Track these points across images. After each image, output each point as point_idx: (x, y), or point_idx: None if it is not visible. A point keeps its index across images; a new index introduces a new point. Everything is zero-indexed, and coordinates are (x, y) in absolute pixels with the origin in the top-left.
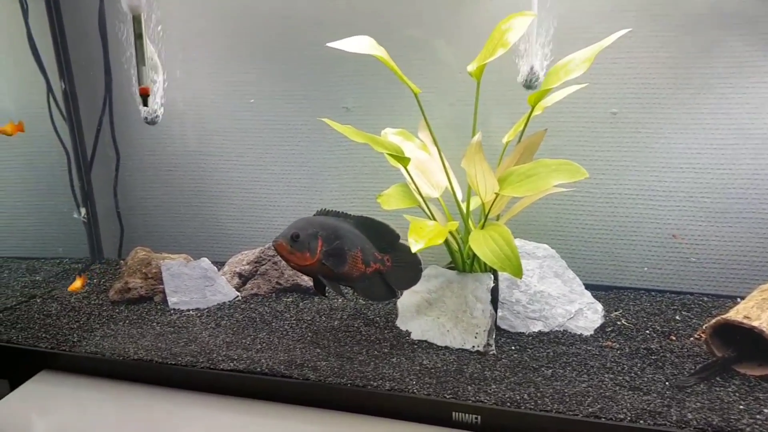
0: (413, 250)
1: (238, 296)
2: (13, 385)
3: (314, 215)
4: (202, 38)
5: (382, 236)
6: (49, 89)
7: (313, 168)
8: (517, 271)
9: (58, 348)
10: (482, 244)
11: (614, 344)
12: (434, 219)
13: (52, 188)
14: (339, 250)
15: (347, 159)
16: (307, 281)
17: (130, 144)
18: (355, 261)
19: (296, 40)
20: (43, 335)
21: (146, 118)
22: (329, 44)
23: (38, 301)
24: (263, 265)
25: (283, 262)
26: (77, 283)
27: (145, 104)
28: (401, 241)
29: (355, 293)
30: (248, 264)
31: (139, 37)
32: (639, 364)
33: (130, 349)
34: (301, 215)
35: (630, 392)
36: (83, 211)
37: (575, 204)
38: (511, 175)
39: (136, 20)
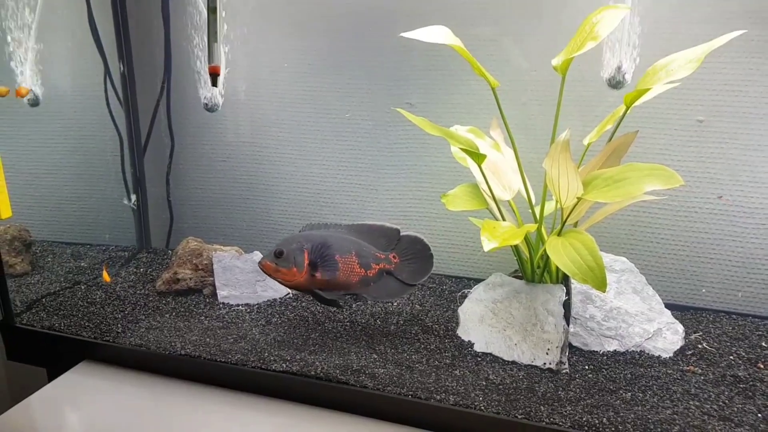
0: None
1: (289, 293)
2: (51, 375)
3: (300, 231)
4: (264, 29)
5: (382, 235)
6: (107, 72)
7: (370, 165)
8: (601, 284)
9: (101, 338)
10: (561, 253)
11: (696, 369)
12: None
13: (103, 173)
14: (327, 258)
15: (407, 157)
16: None
17: (186, 131)
18: (351, 266)
19: (361, 34)
20: (86, 324)
21: (206, 104)
22: (404, 34)
23: (82, 288)
24: None
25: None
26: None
27: (214, 84)
28: (404, 233)
29: (368, 300)
30: None
31: (213, 11)
32: (726, 393)
33: (177, 343)
34: (355, 212)
35: (720, 423)
36: (134, 197)
37: (651, 216)
38: (597, 179)
39: None
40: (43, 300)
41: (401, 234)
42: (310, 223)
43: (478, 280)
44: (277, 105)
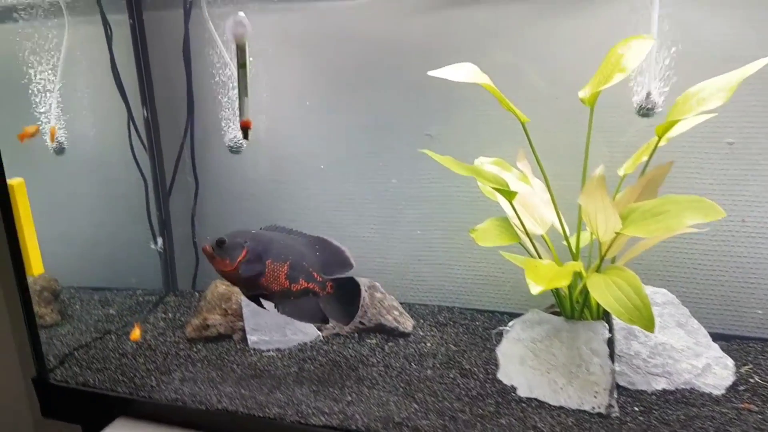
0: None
1: (319, 336)
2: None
3: (261, 228)
4: (284, 67)
5: (335, 260)
6: (130, 117)
7: (391, 197)
8: (649, 324)
9: (136, 393)
10: (605, 291)
11: (752, 407)
12: (541, 258)
13: (128, 217)
14: (258, 260)
15: (429, 188)
16: (391, 321)
17: (209, 171)
18: (276, 274)
19: (376, 67)
20: (120, 377)
21: (231, 146)
22: (431, 73)
23: (113, 337)
24: None
25: (366, 299)
26: (137, 332)
27: (246, 137)
28: (353, 274)
29: (279, 311)
30: None
31: (242, 66)
32: None
33: (212, 395)
34: (379, 246)
35: None
36: (160, 240)
37: (686, 242)
38: (635, 212)
39: (240, 49)
40: (75, 353)
41: (351, 271)
42: (273, 225)
43: (510, 314)
44: (298, 142)
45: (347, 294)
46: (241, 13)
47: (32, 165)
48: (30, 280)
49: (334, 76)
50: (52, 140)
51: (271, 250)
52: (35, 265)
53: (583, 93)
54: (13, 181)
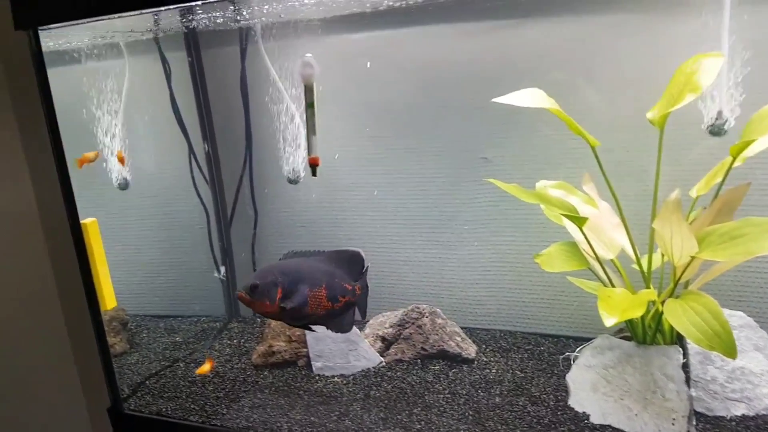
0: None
1: (381, 362)
2: None
3: (281, 259)
4: (337, 92)
5: (354, 265)
6: (191, 151)
7: (447, 221)
8: (731, 351)
9: (208, 422)
10: (683, 318)
11: None
12: (612, 284)
13: (190, 246)
14: (298, 292)
15: (486, 211)
16: (453, 347)
17: (267, 201)
18: (319, 300)
19: (430, 92)
20: (192, 406)
21: (289, 178)
22: (496, 100)
23: (181, 365)
24: (407, 328)
25: (428, 326)
26: (206, 366)
27: (314, 174)
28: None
29: (330, 330)
30: (391, 327)
31: (310, 106)
32: None
33: (283, 423)
34: (436, 272)
35: None
36: (222, 269)
37: (760, 262)
38: (711, 235)
39: (309, 89)
40: (147, 382)
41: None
42: (291, 251)
43: (576, 339)
44: (353, 168)
45: (366, 285)
46: (309, 54)
47: (100, 200)
48: None
49: (389, 102)
50: (122, 163)
51: (304, 279)
52: (108, 300)
53: (652, 114)
54: (87, 221)
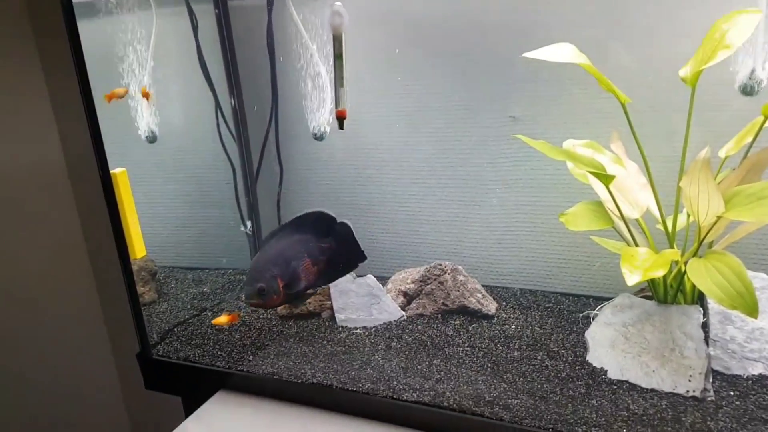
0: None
1: (403, 316)
2: (186, 402)
3: (264, 244)
4: (363, 51)
5: (320, 223)
6: (218, 106)
7: (472, 181)
8: (752, 310)
9: (235, 368)
10: (706, 277)
11: None
12: (636, 244)
13: (218, 201)
14: (293, 275)
15: (511, 171)
16: (474, 303)
17: (293, 158)
18: (308, 271)
19: (456, 48)
20: (219, 353)
21: (315, 134)
22: (526, 54)
23: (209, 314)
24: (428, 284)
25: (449, 282)
26: (223, 318)
27: (341, 127)
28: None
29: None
30: (413, 283)
31: (339, 57)
32: None
33: (306, 370)
34: (458, 230)
35: None
36: (249, 223)
37: None
38: (738, 195)
39: (337, 40)
40: (175, 330)
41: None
42: (270, 232)
43: (596, 298)
44: (378, 127)
45: (343, 238)
46: (338, 3)
47: (129, 153)
48: None
49: (414, 58)
50: (147, 98)
51: (289, 259)
52: (138, 249)
53: (684, 72)
54: (116, 171)
